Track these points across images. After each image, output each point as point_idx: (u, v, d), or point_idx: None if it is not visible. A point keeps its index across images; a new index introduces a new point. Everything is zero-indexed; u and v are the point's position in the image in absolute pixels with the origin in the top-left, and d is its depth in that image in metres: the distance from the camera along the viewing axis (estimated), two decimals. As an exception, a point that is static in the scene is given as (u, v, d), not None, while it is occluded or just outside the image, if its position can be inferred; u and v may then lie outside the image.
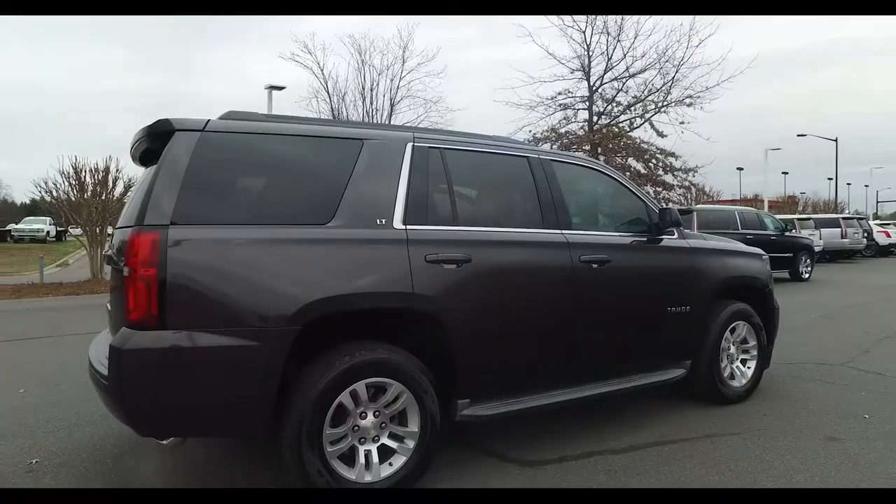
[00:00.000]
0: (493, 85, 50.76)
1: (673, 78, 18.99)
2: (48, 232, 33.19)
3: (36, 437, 3.60)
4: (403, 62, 21.93)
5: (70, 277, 14.77)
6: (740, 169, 54.67)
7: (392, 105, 22.18)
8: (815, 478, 2.95)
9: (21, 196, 55.67)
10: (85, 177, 14.44)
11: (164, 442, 2.54)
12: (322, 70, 21.64)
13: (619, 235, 3.80)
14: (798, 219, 20.99)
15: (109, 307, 3.06)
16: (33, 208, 33.17)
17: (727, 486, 2.86)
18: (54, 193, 14.64)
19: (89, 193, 14.48)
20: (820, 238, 19.11)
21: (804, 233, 17.81)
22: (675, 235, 4.00)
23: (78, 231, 15.58)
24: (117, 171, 14.65)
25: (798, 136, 32.24)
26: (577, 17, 19.04)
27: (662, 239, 3.90)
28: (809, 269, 14.29)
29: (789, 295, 10.44)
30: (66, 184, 14.45)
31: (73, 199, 14.61)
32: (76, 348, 3.19)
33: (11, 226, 34.54)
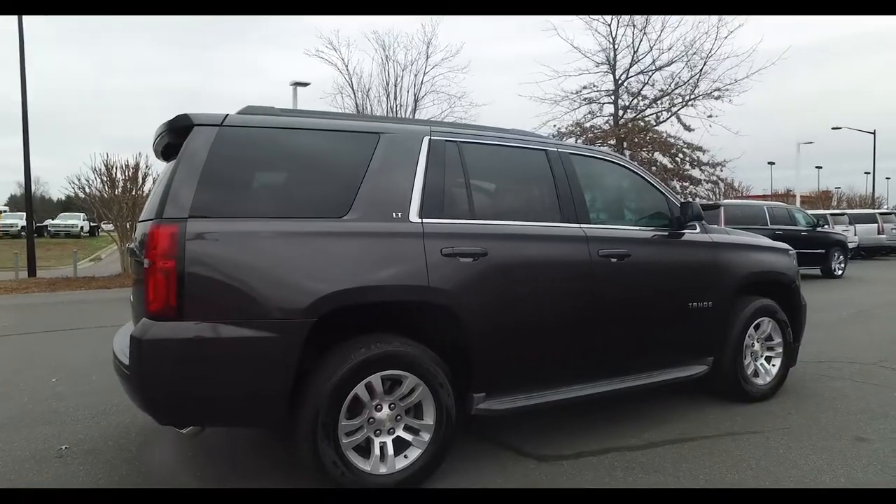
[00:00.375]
0: (518, 79, 50.32)
1: (701, 70, 18.52)
2: (82, 227, 34.20)
3: (66, 424, 3.72)
4: (427, 58, 21.86)
5: (102, 272, 15.24)
6: (771, 163, 53.29)
7: (416, 100, 22.16)
8: (841, 478, 2.87)
9: (56, 192, 57.46)
10: (116, 173, 14.93)
11: (184, 431, 2.59)
12: (346, 66, 21.74)
13: (639, 229, 3.74)
14: (831, 214, 20.38)
15: (132, 299, 3.13)
16: (68, 204, 34.16)
17: (748, 486, 2.80)
18: (87, 190, 15.14)
19: (120, 190, 14.92)
20: (854, 234, 18.55)
21: (838, 229, 17.30)
22: (697, 230, 3.92)
23: (109, 227, 16.05)
24: (146, 167, 15.10)
25: (833, 128, 31.22)
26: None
27: (684, 233, 3.83)
28: (842, 265, 13.89)
29: (820, 292, 10.16)
30: (99, 180, 14.93)
31: (105, 195, 15.08)
32: (106, 340, 3.29)
33: (48, 221, 35.69)
